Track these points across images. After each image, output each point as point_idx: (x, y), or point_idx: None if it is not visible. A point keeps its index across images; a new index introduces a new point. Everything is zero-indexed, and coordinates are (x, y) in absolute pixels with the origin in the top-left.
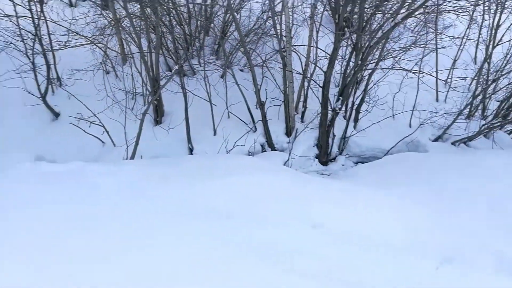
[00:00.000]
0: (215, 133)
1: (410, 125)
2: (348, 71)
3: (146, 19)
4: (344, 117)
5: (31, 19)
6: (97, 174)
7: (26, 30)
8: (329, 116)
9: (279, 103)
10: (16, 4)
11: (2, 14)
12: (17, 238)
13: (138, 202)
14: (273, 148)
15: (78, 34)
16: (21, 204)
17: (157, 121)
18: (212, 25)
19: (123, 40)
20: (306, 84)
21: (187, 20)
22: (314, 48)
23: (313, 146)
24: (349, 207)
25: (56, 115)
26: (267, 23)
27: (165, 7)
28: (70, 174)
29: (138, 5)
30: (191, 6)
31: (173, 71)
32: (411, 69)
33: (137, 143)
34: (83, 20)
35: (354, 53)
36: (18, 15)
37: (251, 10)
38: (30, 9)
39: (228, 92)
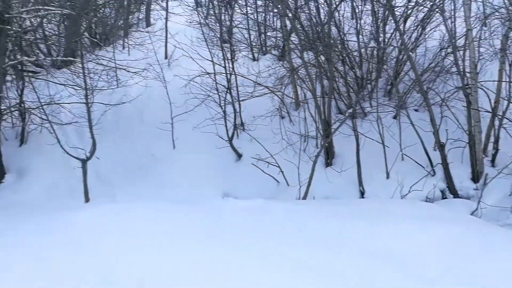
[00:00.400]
0: (388, 176)
1: None
2: None
3: (320, 66)
4: None
5: (224, 74)
6: (279, 211)
7: (220, 84)
8: None
9: (462, 144)
10: (215, 63)
11: (204, 72)
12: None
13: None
14: (455, 195)
15: (261, 85)
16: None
17: (328, 162)
18: (385, 66)
19: (298, 87)
20: (497, 123)
21: (359, 64)
22: (507, 83)
23: (510, 195)
24: None
25: (239, 156)
26: (445, 59)
27: (338, 54)
28: (254, 210)
29: (313, 54)
30: (363, 50)
31: (346, 114)
32: None
33: (309, 184)
34: (265, 72)
35: None
36: (216, 72)
37: (427, 48)
38: (224, 66)
39: (402, 134)
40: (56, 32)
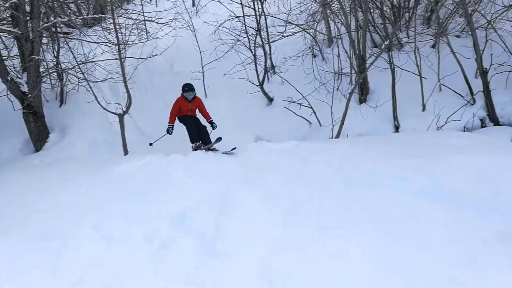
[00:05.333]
0: (423, 109)
1: None
2: None
3: None
4: None
5: (254, 16)
6: (310, 151)
7: (250, 27)
8: None
9: (507, 69)
10: (244, 5)
11: (233, 16)
12: None
13: (353, 176)
14: (496, 123)
15: (292, 23)
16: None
17: (362, 99)
18: None
19: (330, 22)
20: None
21: None
22: None
23: None
24: None
25: (271, 100)
26: None
27: None
28: (287, 151)
29: None
30: None
31: (383, 47)
32: None
33: (342, 122)
34: (297, 10)
35: None
36: (245, 14)
37: None
38: (254, 8)
39: (442, 63)
40: None
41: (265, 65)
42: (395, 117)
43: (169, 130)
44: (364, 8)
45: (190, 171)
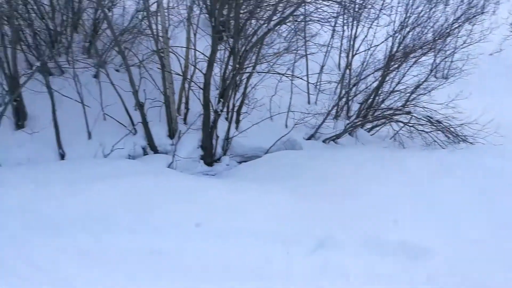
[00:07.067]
0: (89, 136)
1: (286, 126)
2: (227, 74)
3: None
4: (226, 118)
5: None
6: None
7: None
8: (212, 117)
9: (159, 104)
10: None
11: None
12: None
13: None
14: (156, 151)
15: None
16: None
17: (19, 125)
18: (81, 21)
19: None
20: (186, 86)
21: (49, 14)
22: (193, 50)
23: (198, 148)
24: (229, 204)
25: None
26: (142, 22)
27: None
28: None
29: None
30: None
31: (34, 68)
32: (285, 73)
33: None
34: None
35: (232, 56)
36: None
37: (125, 8)
38: None
39: (103, 93)
40: None
41: None
42: (59, 145)
43: None
44: (11, 22)
45: None
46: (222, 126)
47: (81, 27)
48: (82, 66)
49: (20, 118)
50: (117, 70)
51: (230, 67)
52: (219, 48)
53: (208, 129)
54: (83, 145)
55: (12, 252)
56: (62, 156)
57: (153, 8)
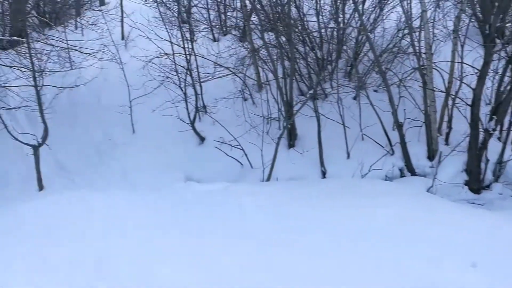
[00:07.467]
0: (348, 156)
1: None
2: (502, 86)
3: (281, 47)
4: (499, 138)
5: (184, 55)
6: (241, 193)
7: (180, 66)
8: (481, 138)
9: (419, 124)
10: (174, 43)
11: (162, 53)
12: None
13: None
14: (413, 173)
15: (222, 66)
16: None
17: (291, 144)
18: (344, 47)
19: (259, 69)
20: (450, 103)
21: (319, 45)
22: (459, 64)
23: (462, 172)
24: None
25: (202, 139)
26: (403, 40)
27: (298, 35)
28: (217, 193)
29: (274, 35)
30: (323, 31)
31: (307, 96)
32: None
33: (272, 166)
34: (226, 53)
35: (510, 66)
36: (174, 53)
37: (385, 29)
38: (184, 47)
39: (362, 114)
40: (0, 10)
41: (196, 104)
42: (322, 163)
43: None
44: (290, 57)
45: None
46: (494, 147)
47: (345, 53)
48: (344, 90)
49: (292, 139)
50: (375, 91)
51: (507, 79)
52: (492, 59)
53: (476, 150)
54: (342, 164)
55: None
56: (324, 174)
57: (415, 24)
